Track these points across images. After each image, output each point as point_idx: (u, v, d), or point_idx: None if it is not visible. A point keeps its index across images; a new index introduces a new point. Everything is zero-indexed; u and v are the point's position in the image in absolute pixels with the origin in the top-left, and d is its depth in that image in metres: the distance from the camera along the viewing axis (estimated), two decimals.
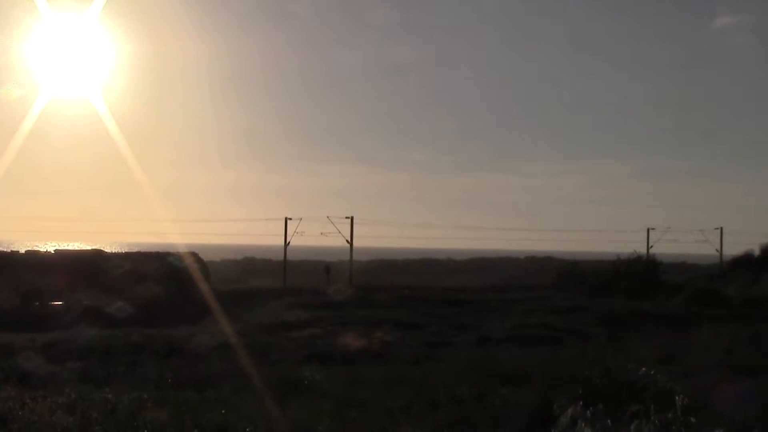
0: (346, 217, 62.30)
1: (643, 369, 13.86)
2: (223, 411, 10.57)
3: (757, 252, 66.27)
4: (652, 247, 71.07)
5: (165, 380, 15.23)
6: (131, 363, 18.84)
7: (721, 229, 71.68)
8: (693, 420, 9.80)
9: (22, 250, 44.59)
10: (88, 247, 51.06)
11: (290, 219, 62.56)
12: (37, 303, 39.62)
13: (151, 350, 21.21)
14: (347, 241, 62.05)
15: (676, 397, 10.53)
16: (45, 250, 49.12)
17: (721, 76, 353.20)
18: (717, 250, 71.35)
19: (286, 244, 62.03)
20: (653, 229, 72.51)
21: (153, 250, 46.19)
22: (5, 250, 45.93)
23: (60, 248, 51.04)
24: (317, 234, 63.69)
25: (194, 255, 43.90)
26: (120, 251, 58.98)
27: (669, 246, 72.48)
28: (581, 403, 12.47)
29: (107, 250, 49.47)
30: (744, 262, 65.03)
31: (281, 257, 59.08)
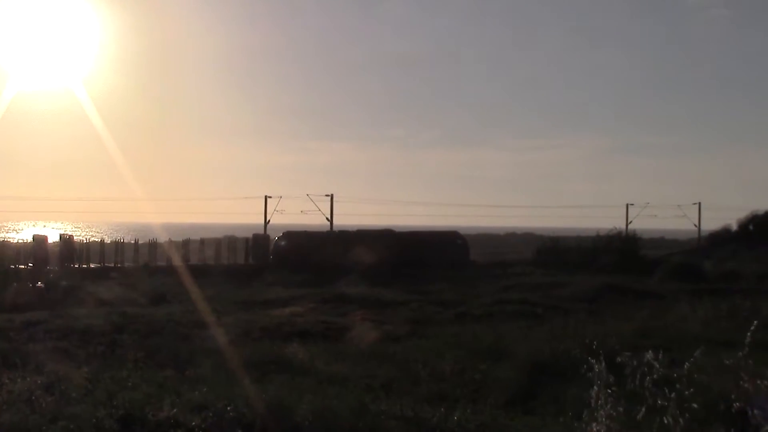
0: (326, 195, 62.36)
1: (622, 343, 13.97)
2: (203, 389, 10.55)
3: (734, 227, 66.81)
4: (631, 222, 71.52)
5: (145, 359, 15.20)
6: (111, 342, 18.80)
7: (699, 204, 72.17)
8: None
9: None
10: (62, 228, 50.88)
11: (270, 197, 62.58)
12: None
13: (131, 329, 21.15)
14: (327, 218, 62.07)
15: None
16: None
17: (698, 51, 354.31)
18: (695, 225, 71.84)
19: (266, 222, 61.95)
20: (632, 204, 73.00)
21: (131, 229, 46.15)
22: None
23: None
24: (297, 212, 63.76)
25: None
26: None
27: (648, 221, 72.97)
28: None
29: (81, 229, 49.37)
30: (722, 236, 65.49)
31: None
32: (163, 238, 51.54)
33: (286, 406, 9.60)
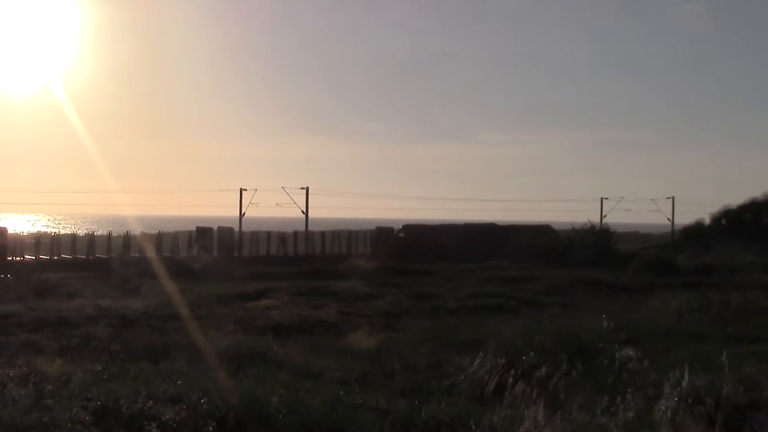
0: (302, 188, 62.23)
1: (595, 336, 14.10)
2: (178, 382, 10.54)
3: (707, 221, 67.32)
4: (605, 216, 71.92)
5: (120, 352, 15.15)
6: (85, 335, 18.68)
7: (673, 198, 72.61)
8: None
9: None
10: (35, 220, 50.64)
11: (245, 190, 62.41)
12: None
13: (105, 322, 21.02)
14: (303, 211, 61.94)
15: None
16: None
17: (672, 47, 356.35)
18: (669, 220, 72.30)
19: (242, 215, 61.78)
20: (607, 198, 73.40)
21: (106, 221, 45.92)
22: None
23: None
24: (273, 205, 63.62)
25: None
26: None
27: (622, 215, 73.40)
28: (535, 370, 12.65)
29: (57, 221, 49.19)
30: (695, 231, 65.97)
31: (236, 228, 58.71)
32: (137, 231, 51.26)
33: (260, 399, 9.62)
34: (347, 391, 10.94)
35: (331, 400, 9.91)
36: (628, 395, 9.92)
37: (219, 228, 52.34)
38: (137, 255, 45.61)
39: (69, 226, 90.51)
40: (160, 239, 49.81)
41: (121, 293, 29.76)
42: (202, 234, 51.79)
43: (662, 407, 8.61)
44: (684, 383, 9.92)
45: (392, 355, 15.78)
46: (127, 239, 48.50)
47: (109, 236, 49.00)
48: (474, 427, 9.30)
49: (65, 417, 8.63)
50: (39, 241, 46.55)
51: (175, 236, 51.28)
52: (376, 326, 21.78)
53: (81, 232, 53.44)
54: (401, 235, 58.32)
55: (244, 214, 61.95)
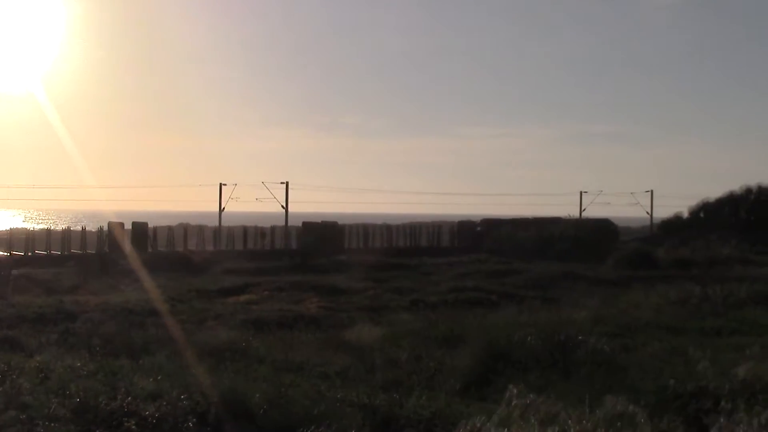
0: (281, 183, 62.08)
1: (575, 329, 14.12)
2: (158, 378, 10.48)
3: (685, 214, 67.69)
4: (585, 210, 72.21)
5: (99, 348, 15.06)
6: (64, 331, 18.58)
7: (652, 192, 72.99)
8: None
9: None
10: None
11: (225, 185, 62.17)
12: None
13: (84, 318, 20.92)
14: (282, 206, 61.80)
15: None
16: None
17: (649, 41, 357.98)
18: (648, 213, 72.66)
19: (221, 210, 61.57)
20: (586, 192, 73.68)
21: (82, 217, 45.64)
22: None
23: None
24: (252, 200, 63.44)
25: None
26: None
27: (601, 209, 73.70)
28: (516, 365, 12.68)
29: (31, 217, 48.87)
30: (673, 224, 66.32)
31: (216, 223, 58.54)
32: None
33: (242, 394, 9.58)
34: (328, 386, 10.93)
35: (313, 395, 9.89)
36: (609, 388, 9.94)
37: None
38: (116, 251, 45.30)
39: (47, 221, 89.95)
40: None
41: (100, 289, 29.61)
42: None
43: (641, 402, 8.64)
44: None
45: (373, 349, 15.79)
46: (102, 234, 48.14)
47: (83, 231, 48.69)
48: (455, 421, 9.30)
49: (43, 414, 8.56)
50: (11, 237, 46.27)
51: (152, 231, 51.03)
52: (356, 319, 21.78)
53: (58, 227, 53.01)
54: (478, 228, 62.22)
55: (224, 209, 61.75)
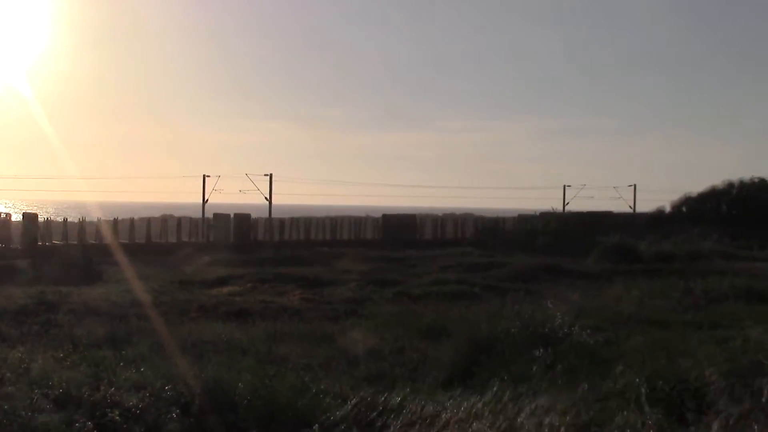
0: (265, 175, 61.95)
1: (558, 322, 14.16)
2: (141, 369, 10.47)
3: (668, 208, 68.07)
4: (568, 203, 72.47)
5: (81, 339, 15.01)
6: (46, 322, 18.50)
7: (635, 186, 73.38)
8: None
9: None
10: None
11: (208, 176, 61.98)
12: None
13: (66, 309, 20.83)
14: (266, 198, 61.70)
15: None
16: None
17: (634, 35, 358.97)
18: (630, 207, 73.00)
19: (204, 201, 61.37)
20: (569, 186, 73.97)
21: (65, 208, 45.41)
22: None
23: None
24: (236, 191, 63.30)
25: None
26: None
27: (585, 203, 74.07)
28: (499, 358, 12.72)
29: (11, 208, 48.46)
30: (656, 218, 66.65)
31: (199, 215, 58.36)
32: (98, 217, 50.74)
33: (225, 385, 9.58)
34: (312, 378, 10.94)
35: (297, 387, 9.90)
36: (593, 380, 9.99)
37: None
38: (97, 242, 45.13)
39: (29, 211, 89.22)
40: (116, 225, 49.31)
41: (83, 280, 29.45)
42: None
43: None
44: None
45: (356, 341, 15.80)
46: (89, 225, 48.00)
47: (64, 222, 48.45)
48: (437, 413, 9.32)
49: (25, 405, 8.54)
50: None
51: (136, 222, 50.86)
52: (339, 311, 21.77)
53: (42, 217, 52.66)
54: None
55: (208, 200, 61.57)
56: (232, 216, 53.27)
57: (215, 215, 54.01)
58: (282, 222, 55.93)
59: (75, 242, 45.32)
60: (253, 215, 55.53)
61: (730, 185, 66.90)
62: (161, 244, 48.71)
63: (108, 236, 44.71)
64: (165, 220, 52.50)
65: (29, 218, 46.20)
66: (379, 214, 62.26)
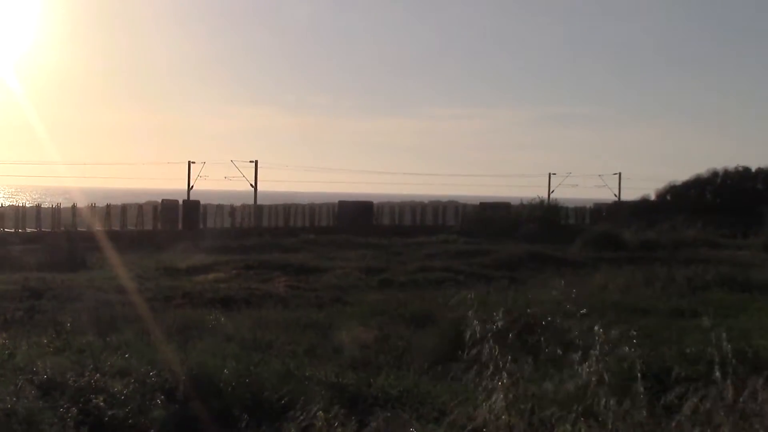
0: (251, 161, 61.78)
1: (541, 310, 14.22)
2: (126, 355, 10.47)
3: (652, 197, 68.29)
4: (553, 191, 72.62)
5: (65, 325, 14.97)
6: (29, 308, 18.44)
7: (620, 174, 73.53)
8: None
9: None
10: None
11: (193, 162, 61.77)
12: None
13: (50, 295, 20.76)
14: (251, 185, 61.55)
15: None
16: None
17: (621, 25, 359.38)
18: (615, 195, 73.18)
19: (190, 188, 61.17)
20: (554, 174, 74.14)
21: (47, 193, 45.16)
22: None
23: None
24: (221, 178, 63.12)
25: None
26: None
27: (570, 191, 74.24)
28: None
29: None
30: (640, 206, 66.88)
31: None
32: (83, 204, 50.52)
33: (210, 371, 9.59)
34: (297, 365, 10.95)
35: (282, 373, 9.92)
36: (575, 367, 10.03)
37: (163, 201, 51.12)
38: (83, 229, 44.94)
39: (11, 198, 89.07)
40: (108, 212, 49.19)
41: (67, 266, 29.35)
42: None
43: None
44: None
45: (341, 328, 15.82)
46: (73, 212, 47.80)
47: (52, 208, 48.24)
48: (422, 400, 9.36)
49: (10, 391, 8.52)
50: None
51: (123, 209, 50.72)
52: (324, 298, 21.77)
53: (27, 204, 52.44)
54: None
55: (193, 187, 61.39)
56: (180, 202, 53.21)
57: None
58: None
59: (50, 229, 45.04)
60: (238, 202, 55.39)
61: (715, 174, 67.19)
62: (146, 231, 48.54)
63: (93, 223, 44.53)
64: (155, 207, 52.29)
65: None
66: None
